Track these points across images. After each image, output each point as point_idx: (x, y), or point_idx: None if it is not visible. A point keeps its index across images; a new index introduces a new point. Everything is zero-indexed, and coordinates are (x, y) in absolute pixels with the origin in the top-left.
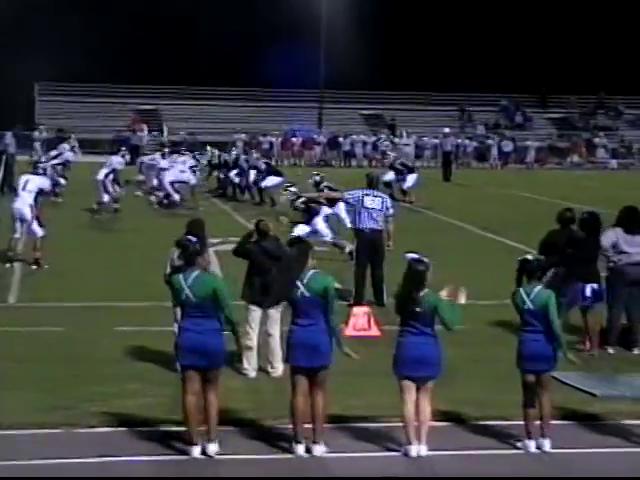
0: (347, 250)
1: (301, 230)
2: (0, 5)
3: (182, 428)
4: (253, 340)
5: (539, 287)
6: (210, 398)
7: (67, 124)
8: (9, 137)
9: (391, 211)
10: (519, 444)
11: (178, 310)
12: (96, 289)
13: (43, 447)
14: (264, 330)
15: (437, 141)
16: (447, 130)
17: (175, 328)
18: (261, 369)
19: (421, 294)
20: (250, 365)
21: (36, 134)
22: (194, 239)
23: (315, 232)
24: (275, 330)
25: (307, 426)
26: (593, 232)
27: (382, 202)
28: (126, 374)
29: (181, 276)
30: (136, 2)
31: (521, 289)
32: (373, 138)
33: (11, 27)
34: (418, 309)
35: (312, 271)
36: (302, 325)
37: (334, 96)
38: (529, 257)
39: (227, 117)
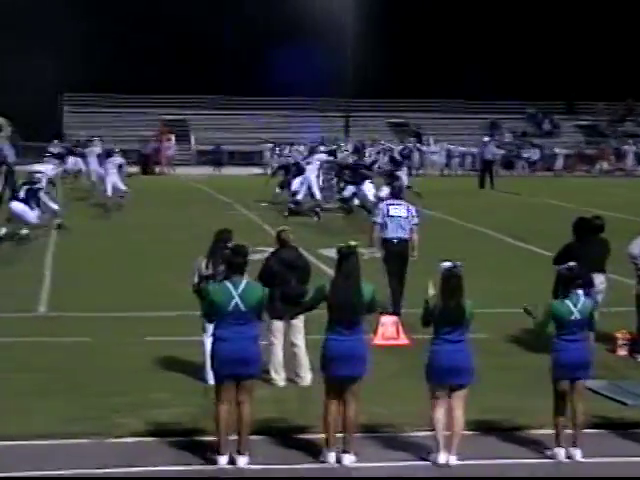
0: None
1: (349, 191)
2: (24, 16)
3: (210, 438)
4: (279, 350)
5: (583, 297)
6: (245, 410)
7: (93, 134)
8: (7, 147)
9: (416, 220)
10: (549, 452)
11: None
12: (123, 299)
13: (72, 457)
14: (289, 340)
15: (464, 149)
16: (486, 139)
17: (204, 338)
18: (289, 379)
19: (459, 302)
20: (278, 375)
21: (50, 147)
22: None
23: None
24: (300, 340)
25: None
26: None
27: (407, 210)
28: (154, 384)
29: (229, 284)
30: (164, 13)
31: (567, 300)
32: (400, 146)
33: (36, 38)
34: (456, 317)
35: (362, 282)
36: (345, 335)
37: (361, 105)
38: (571, 265)
39: (253, 127)
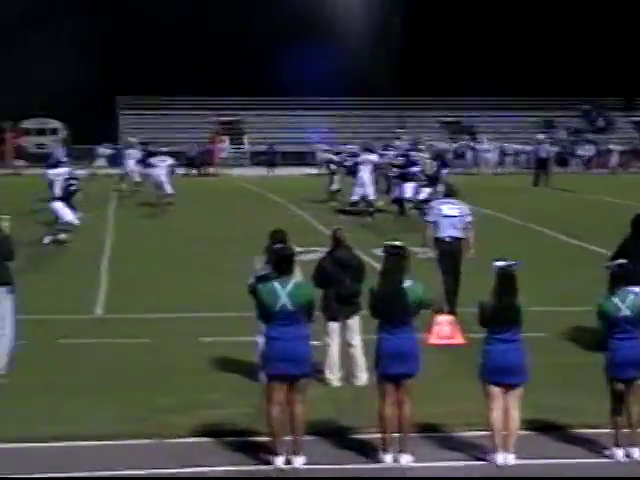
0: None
1: (401, 190)
2: (80, 21)
3: (265, 438)
4: (334, 350)
5: (633, 294)
6: (297, 410)
7: (148, 137)
8: (60, 150)
9: (469, 218)
10: (607, 452)
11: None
12: (176, 300)
13: (125, 457)
14: (345, 340)
15: (518, 147)
16: (541, 136)
17: (258, 338)
18: (344, 379)
19: (513, 302)
20: (333, 375)
21: (100, 150)
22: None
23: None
24: (356, 340)
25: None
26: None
27: (460, 209)
28: (209, 384)
29: (276, 284)
30: (213, 16)
31: (613, 297)
32: (454, 145)
33: (91, 43)
34: (510, 317)
35: (408, 281)
36: (394, 334)
37: (413, 103)
38: (621, 261)
39: (305, 127)
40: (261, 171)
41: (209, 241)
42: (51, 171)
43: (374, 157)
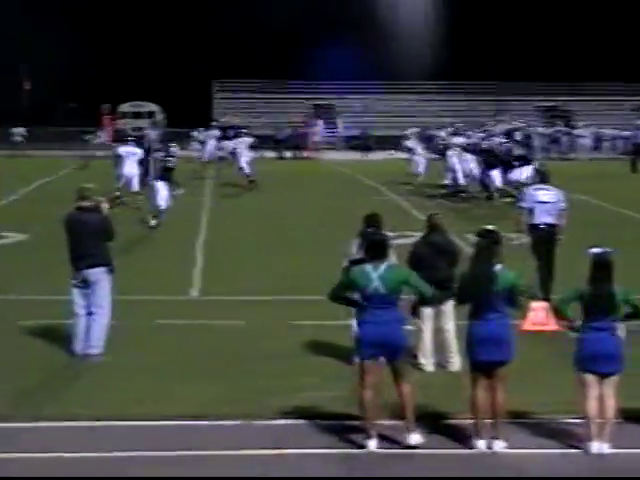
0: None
1: (492, 176)
2: (177, 5)
3: (356, 422)
4: (428, 336)
5: None
6: (404, 390)
7: (242, 121)
8: (153, 133)
9: (563, 205)
10: None
11: None
12: (270, 282)
13: (220, 438)
14: (438, 325)
15: (615, 132)
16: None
17: (353, 322)
18: (438, 364)
19: (609, 289)
20: (427, 359)
21: (195, 133)
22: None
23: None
24: (449, 325)
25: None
26: None
27: (555, 195)
28: (303, 367)
29: (369, 267)
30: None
31: None
32: (550, 130)
33: (189, 27)
34: (605, 305)
35: (499, 266)
36: (486, 319)
37: (510, 89)
38: None
39: (399, 111)
40: (354, 155)
41: (302, 224)
42: (122, 149)
43: (462, 140)
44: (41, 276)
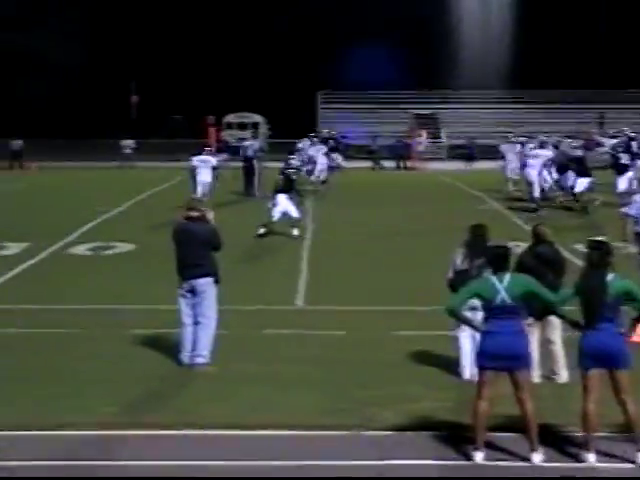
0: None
1: (581, 184)
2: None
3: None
4: (534, 347)
5: None
6: (527, 406)
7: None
8: (256, 144)
9: None
10: None
11: (471, 314)
12: (373, 292)
13: (324, 449)
14: (545, 337)
15: None
16: None
17: (458, 333)
18: (544, 376)
19: None
20: (533, 371)
21: (300, 145)
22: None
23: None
24: (556, 336)
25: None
26: None
27: None
28: (407, 377)
29: (494, 279)
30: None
31: None
32: None
33: (294, 38)
34: None
35: (611, 275)
36: (597, 329)
37: (613, 96)
38: None
39: (502, 121)
40: (459, 165)
41: (405, 233)
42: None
43: (545, 152)
44: (150, 285)
